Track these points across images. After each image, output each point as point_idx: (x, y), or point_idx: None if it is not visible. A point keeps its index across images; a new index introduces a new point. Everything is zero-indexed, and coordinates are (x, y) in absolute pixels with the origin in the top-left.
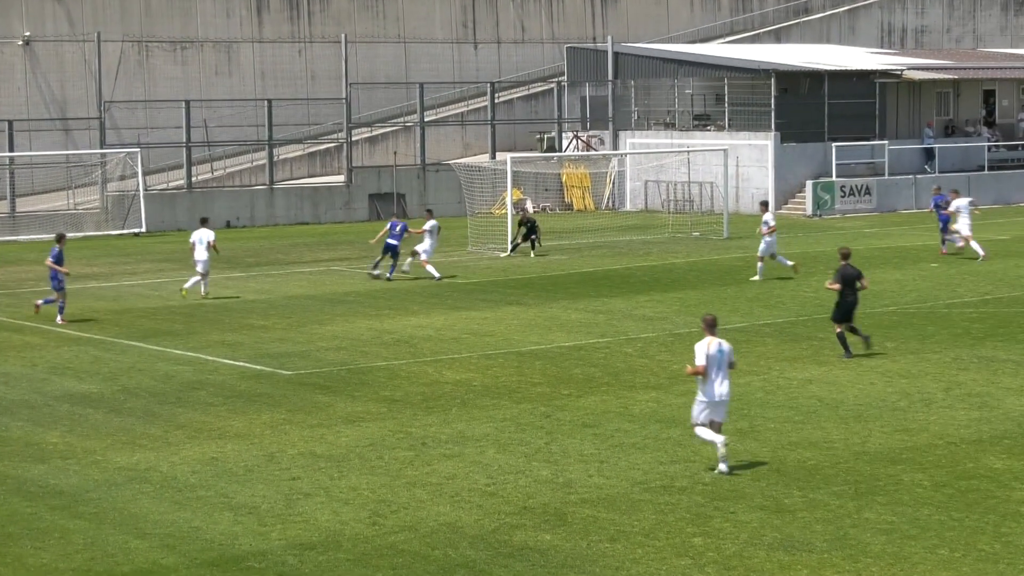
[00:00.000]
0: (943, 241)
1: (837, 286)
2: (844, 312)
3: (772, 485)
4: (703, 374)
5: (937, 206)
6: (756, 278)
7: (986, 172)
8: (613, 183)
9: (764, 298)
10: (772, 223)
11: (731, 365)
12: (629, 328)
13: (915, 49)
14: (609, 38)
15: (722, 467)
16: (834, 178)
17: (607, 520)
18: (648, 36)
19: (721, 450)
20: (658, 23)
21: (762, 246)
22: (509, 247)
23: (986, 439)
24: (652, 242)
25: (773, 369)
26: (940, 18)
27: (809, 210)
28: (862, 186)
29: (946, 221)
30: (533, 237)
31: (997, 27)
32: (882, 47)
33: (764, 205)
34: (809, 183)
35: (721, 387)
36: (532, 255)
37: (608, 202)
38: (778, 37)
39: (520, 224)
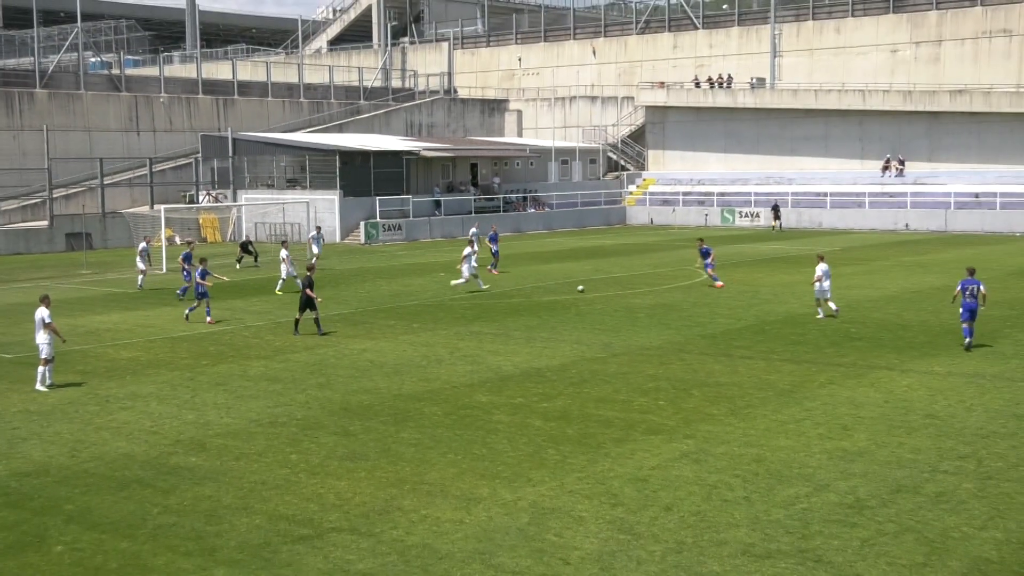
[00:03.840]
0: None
1: (309, 291)
2: (304, 306)
3: (342, 418)
4: None
5: (492, 239)
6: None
7: (473, 214)
8: (234, 224)
9: (337, 298)
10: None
11: (45, 324)
12: (247, 319)
13: (428, 137)
14: (229, 128)
15: (38, 387)
16: (378, 219)
17: (233, 446)
18: (256, 127)
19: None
20: (262, 119)
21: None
22: (238, 265)
23: (476, 383)
24: (262, 263)
25: (341, 343)
26: (443, 117)
27: (363, 240)
28: (396, 224)
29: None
30: (253, 253)
31: (478, 123)
32: (408, 135)
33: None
34: (362, 223)
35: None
36: (238, 267)
37: (231, 236)
38: (341, 128)
39: (241, 248)
